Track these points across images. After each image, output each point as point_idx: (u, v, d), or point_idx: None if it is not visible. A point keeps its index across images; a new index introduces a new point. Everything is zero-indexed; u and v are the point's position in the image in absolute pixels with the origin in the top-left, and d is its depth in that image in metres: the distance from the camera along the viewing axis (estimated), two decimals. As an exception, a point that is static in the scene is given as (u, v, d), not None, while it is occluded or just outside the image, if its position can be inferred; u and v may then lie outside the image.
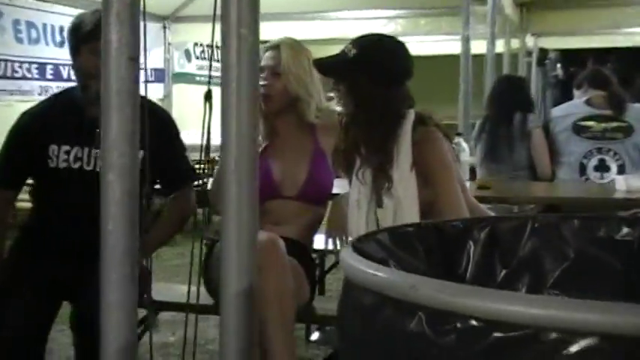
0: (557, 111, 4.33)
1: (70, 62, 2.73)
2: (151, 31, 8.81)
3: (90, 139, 2.59)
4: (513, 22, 7.89)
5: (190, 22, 8.71)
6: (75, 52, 2.64)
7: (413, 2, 7.86)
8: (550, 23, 8.51)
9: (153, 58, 8.81)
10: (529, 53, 10.72)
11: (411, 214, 2.25)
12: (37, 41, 7.56)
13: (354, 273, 0.91)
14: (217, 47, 1.54)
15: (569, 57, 15.06)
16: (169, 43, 9.06)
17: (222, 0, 1.36)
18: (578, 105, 4.08)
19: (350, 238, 2.40)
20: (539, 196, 3.28)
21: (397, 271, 0.97)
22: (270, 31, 9.16)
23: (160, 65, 9.08)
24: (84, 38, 2.57)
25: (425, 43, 9.78)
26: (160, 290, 2.77)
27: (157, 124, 2.71)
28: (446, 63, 7.19)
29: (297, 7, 8.39)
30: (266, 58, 2.66)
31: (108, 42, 1.38)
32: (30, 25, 7.50)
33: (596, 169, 3.88)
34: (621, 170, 3.79)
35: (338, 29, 8.91)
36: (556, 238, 1.28)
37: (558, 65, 16.03)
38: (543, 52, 12.70)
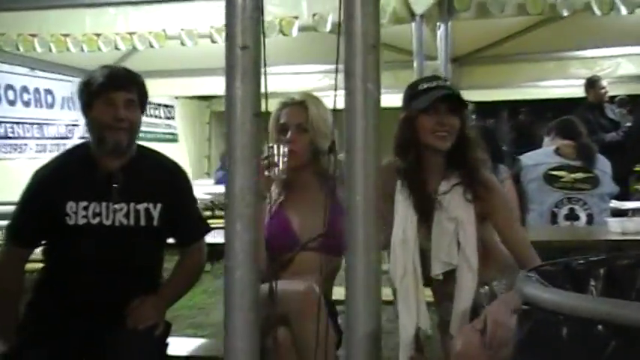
0: (527, 159, 4.52)
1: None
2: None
3: (106, 193, 2.59)
4: (448, 77, 8.19)
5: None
6: (88, 107, 2.65)
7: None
8: (478, 77, 8.88)
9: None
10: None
11: (468, 234, 2.45)
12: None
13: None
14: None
15: (485, 109, 15.74)
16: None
17: (347, 58, 1.42)
18: (548, 154, 4.29)
19: (397, 282, 2.47)
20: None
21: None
22: (189, 87, 9.23)
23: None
24: (96, 92, 2.60)
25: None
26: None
27: (169, 176, 2.73)
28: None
29: (221, 63, 8.42)
30: (290, 115, 2.73)
31: (232, 97, 1.42)
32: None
33: (567, 217, 4.08)
34: (590, 219, 4.01)
35: (275, 84, 9.04)
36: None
37: (473, 116, 16.70)
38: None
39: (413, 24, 5.44)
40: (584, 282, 1.35)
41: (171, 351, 2.66)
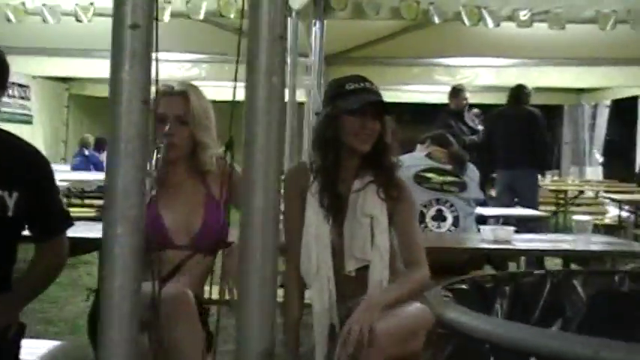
0: (405, 160, 4.53)
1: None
2: None
3: None
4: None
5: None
6: None
7: (222, 48, 7.89)
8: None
9: None
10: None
11: (381, 232, 2.46)
12: None
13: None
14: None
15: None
16: None
17: (251, 49, 1.27)
18: (419, 157, 4.31)
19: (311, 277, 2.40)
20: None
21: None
22: (47, 67, 8.75)
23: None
24: None
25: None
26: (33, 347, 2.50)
27: (27, 161, 2.46)
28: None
29: (83, 44, 8.05)
30: (169, 105, 2.52)
31: (119, 83, 1.25)
32: None
33: (434, 218, 4.10)
34: (456, 222, 4.05)
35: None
36: (570, 292, 1.34)
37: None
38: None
39: (289, 19, 5.33)
40: (492, 300, 1.28)
41: (24, 355, 2.40)
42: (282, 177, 2.63)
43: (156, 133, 2.49)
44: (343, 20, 6.92)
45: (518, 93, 6.98)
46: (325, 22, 6.74)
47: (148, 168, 2.31)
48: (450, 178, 4.19)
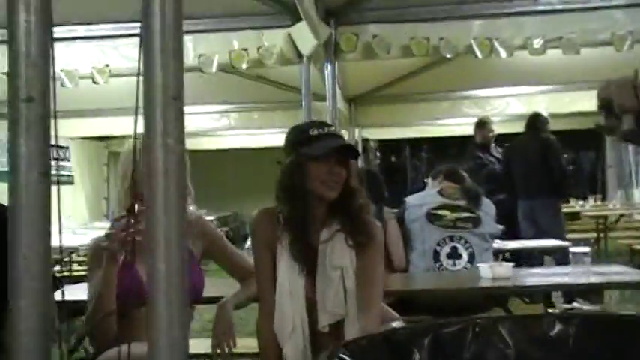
0: (412, 200, 4.47)
1: None
2: None
3: None
4: (344, 116, 8.20)
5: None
6: None
7: (247, 97, 8.00)
8: (375, 116, 8.97)
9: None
10: (356, 143, 11.20)
11: (353, 282, 2.39)
12: None
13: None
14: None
15: (388, 146, 15.93)
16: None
17: (147, 110, 1.27)
18: (432, 195, 4.25)
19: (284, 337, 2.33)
20: (396, 289, 3.30)
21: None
22: (85, 128, 8.95)
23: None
24: None
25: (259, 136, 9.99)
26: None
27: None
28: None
29: (126, 103, 8.24)
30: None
31: (16, 155, 1.25)
32: None
33: (449, 256, 4.03)
34: (471, 258, 3.96)
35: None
36: (496, 340, 1.28)
37: (377, 154, 16.89)
38: (365, 142, 13.33)
39: (301, 65, 5.36)
40: (407, 353, 1.23)
41: None
42: (249, 225, 2.60)
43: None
44: (362, 61, 7.00)
45: (534, 121, 6.87)
46: (344, 64, 6.87)
47: (123, 228, 2.34)
48: (463, 214, 4.12)
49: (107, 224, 9.64)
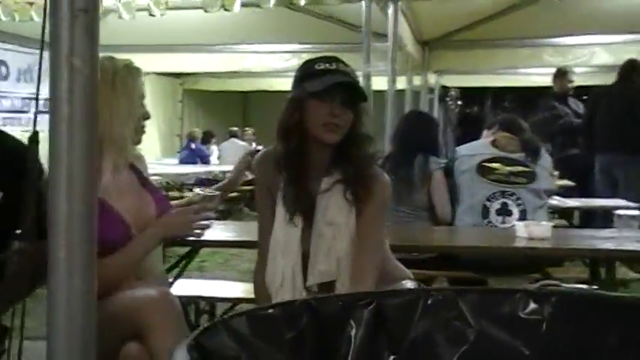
0: (463, 149, 4.17)
1: None
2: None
3: None
4: (415, 60, 7.87)
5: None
6: None
7: (314, 37, 7.76)
8: (451, 62, 8.57)
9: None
10: (431, 90, 10.82)
11: (347, 242, 2.13)
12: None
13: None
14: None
15: (469, 95, 15.41)
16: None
17: (52, 26, 1.09)
18: (484, 145, 3.94)
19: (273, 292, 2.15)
20: (434, 244, 3.07)
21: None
22: (160, 63, 8.92)
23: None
24: None
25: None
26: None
27: (11, 157, 2.37)
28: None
29: (201, 39, 8.19)
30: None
31: None
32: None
33: (499, 212, 3.74)
34: (523, 215, 3.67)
35: (240, 62, 8.76)
36: (453, 317, 1.07)
37: (459, 102, 16.39)
38: (445, 90, 12.90)
39: (362, 2, 5.10)
40: (340, 327, 1.03)
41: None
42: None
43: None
44: (441, 1, 6.63)
45: (627, 69, 6.23)
46: (420, 4, 6.54)
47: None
48: (517, 168, 3.80)
49: (175, 160, 9.73)
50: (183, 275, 3.26)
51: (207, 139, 9.87)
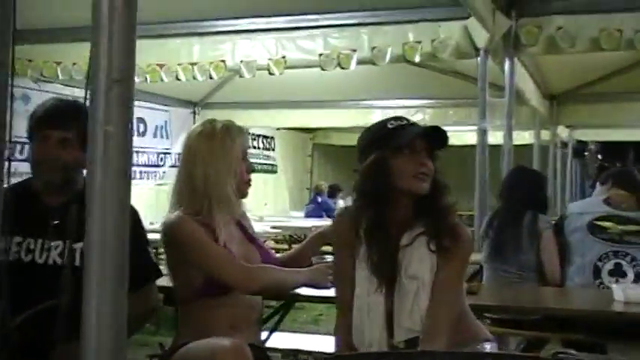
0: (574, 207, 4.04)
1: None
2: (181, 116, 8.85)
3: (42, 230, 2.46)
4: (542, 115, 7.71)
5: (220, 109, 8.75)
6: (30, 139, 2.54)
7: (436, 91, 7.79)
8: (581, 116, 8.32)
9: (181, 141, 8.85)
10: (564, 145, 10.52)
11: (428, 296, 2.12)
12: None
13: None
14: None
15: (608, 149, 14.82)
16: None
17: (90, 95, 1.19)
18: (596, 203, 3.78)
19: (365, 348, 2.16)
20: (538, 306, 2.96)
21: None
22: (291, 118, 9.22)
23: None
24: (34, 127, 2.50)
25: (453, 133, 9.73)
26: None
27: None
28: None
29: (329, 96, 8.42)
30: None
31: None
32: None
33: (611, 273, 3.55)
34: (637, 277, 3.48)
35: (367, 117, 8.90)
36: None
37: (599, 156, 15.78)
38: (581, 144, 12.49)
39: (478, 58, 5.08)
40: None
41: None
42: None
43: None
44: (574, 54, 6.47)
45: None
46: (546, 58, 6.41)
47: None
48: (632, 227, 3.62)
49: (301, 214, 9.93)
50: (281, 329, 3.34)
51: (333, 192, 10.03)
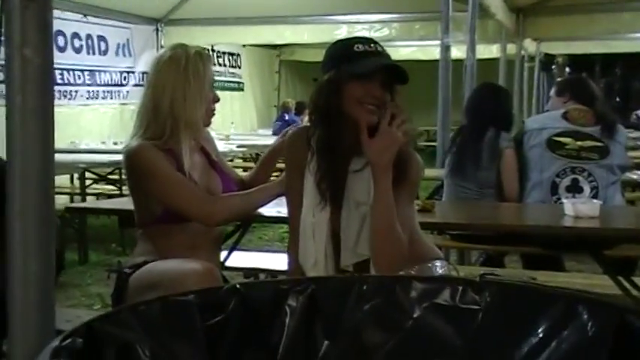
0: (532, 122, 4.01)
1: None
2: (144, 33, 8.66)
3: None
4: (508, 28, 7.64)
5: (184, 25, 8.58)
6: None
7: (402, 7, 7.69)
8: (549, 28, 8.25)
9: (145, 61, 8.69)
10: (531, 58, 10.49)
11: None
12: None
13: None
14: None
15: (576, 62, 14.83)
16: (162, 46, 8.82)
17: (5, 18, 1.13)
18: (554, 118, 3.75)
19: (307, 271, 2.17)
20: (479, 223, 2.98)
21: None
22: (257, 35, 9.05)
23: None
24: None
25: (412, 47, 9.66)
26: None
27: None
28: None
29: (295, 11, 8.28)
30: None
31: None
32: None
33: (569, 189, 3.59)
34: (595, 193, 3.52)
35: (332, 33, 8.77)
36: (390, 305, 1.06)
37: (567, 69, 15.79)
38: (548, 58, 12.46)
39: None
40: (271, 315, 1.04)
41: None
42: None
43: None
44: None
45: None
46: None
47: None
48: (589, 143, 3.63)
49: (269, 131, 9.89)
50: (241, 247, 3.35)
51: (301, 109, 9.95)
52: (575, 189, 3.60)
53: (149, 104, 2.47)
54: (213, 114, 2.58)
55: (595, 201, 2.89)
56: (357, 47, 2.12)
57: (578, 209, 2.56)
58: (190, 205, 2.41)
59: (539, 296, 0.99)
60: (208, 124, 2.59)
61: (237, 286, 1.02)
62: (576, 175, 3.61)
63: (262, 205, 2.61)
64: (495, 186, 3.81)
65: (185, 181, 2.41)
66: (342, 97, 2.10)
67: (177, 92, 2.44)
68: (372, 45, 2.14)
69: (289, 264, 2.26)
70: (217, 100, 2.56)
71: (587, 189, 3.57)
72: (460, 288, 1.05)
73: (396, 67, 2.11)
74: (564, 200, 2.89)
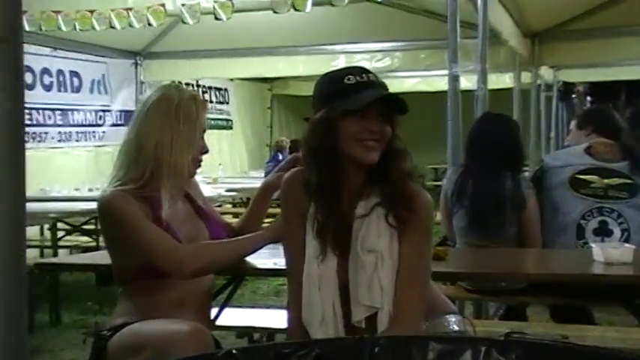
0: (552, 160, 3.96)
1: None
2: (121, 68, 8.70)
3: None
4: (522, 56, 7.70)
5: (164, 59, 8.62)
6: None
7: (405, 32, 7.76)
8: (567, 55, 8.31)
9: (122, 98, 8.74)
10: (548, 87, 10.57)
11: (392, 270, 2.10)
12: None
13: None
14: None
15: (600, 90, 14.94)
16: (142, 82, 8.86)
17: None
18: (577, 154, 3.74)
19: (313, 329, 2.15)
20: (499, 272, 2.96)
21: None
22: (247, 67, 9.11)
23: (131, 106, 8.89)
24: None
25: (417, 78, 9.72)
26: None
27: None
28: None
29: (287, 41, 8.32)
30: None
31: None
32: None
33: (597, 232, 3.55)
34: (625, 236, 3.49)
35: (329, 64, 8.83)
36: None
37: (588, 98, 15.90)
38: (568, 86, 12.56)
39: (446, -5, 5.02)
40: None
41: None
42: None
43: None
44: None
45: None
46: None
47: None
48: (617, 180, 3.61)
49: (261, 173, 9.91)
50: (233, 304, 3.33)
51: (295, 149, 9.98)
52: (603, 232, 3.57)
53: (132, 144, 2.48)
54: (199, 165, 2.58)
55: (627, 245, 2.88)
56: (349, 79, 2.11)
57: (609, 254, 2.56)
58: (157, 254, 2.39)
59: (576, 357, 0.98)
60: (193, 174, 2.61)
61: (234, 351, 1.01)
62: (604, 217, 3.59)
63: (249, 254, 2.61)
64: (516, 239, 3.70)
65: (153, 229, 2.40)
66: (338, 135, 2.09)
67: (165, 134, 2.44)
68: (364, 75, 2.13)
69: (289, 322, 2.24)
70: (206, 151, 2.57)
71: (617, 232, 3.55)
72: (483, 349, 1.04)
73: (392, 97, 2.11)
74: (592, 245, 2.89)
